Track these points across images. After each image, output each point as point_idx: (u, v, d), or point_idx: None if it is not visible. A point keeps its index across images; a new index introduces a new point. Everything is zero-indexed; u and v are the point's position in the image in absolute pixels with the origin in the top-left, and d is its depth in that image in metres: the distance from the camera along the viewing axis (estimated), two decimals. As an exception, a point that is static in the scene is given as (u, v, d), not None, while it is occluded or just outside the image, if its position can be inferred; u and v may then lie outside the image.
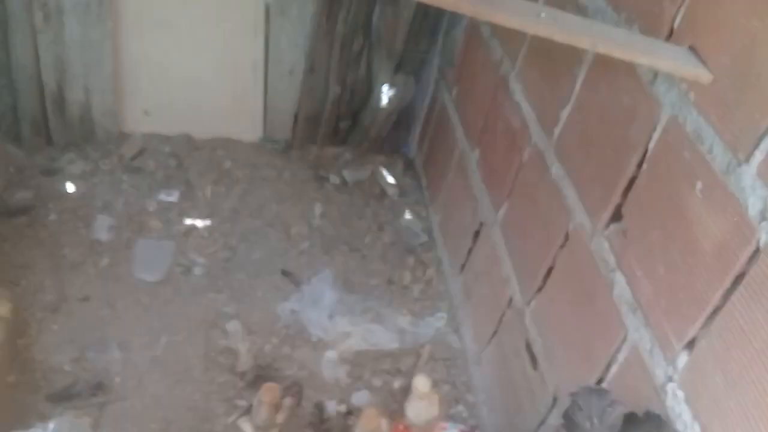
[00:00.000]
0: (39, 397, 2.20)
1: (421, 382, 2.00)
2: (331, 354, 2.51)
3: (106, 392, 2.26)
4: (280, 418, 2.00)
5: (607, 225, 1.76)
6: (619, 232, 1.72)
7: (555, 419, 1.95)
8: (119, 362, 2.34)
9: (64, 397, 2.21)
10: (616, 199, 1.72)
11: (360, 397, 2.43)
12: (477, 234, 2.60)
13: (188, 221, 2.86)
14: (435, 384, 2.49)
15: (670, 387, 1.48)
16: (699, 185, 1.43)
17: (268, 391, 1.96)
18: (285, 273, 2.76)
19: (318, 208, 3.02)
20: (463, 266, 2.72)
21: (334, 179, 3.16)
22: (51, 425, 1.21)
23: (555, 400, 1.95)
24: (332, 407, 2.37)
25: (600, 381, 1.73)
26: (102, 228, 2.74)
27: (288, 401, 2.05)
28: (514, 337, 2.22)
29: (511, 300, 2.27)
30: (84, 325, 2.43)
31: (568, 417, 1.69)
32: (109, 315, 2.48)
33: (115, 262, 2.65)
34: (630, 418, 1.46)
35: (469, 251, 2.66)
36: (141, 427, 2.20)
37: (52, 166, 2.94)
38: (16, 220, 2.69)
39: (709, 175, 1.40)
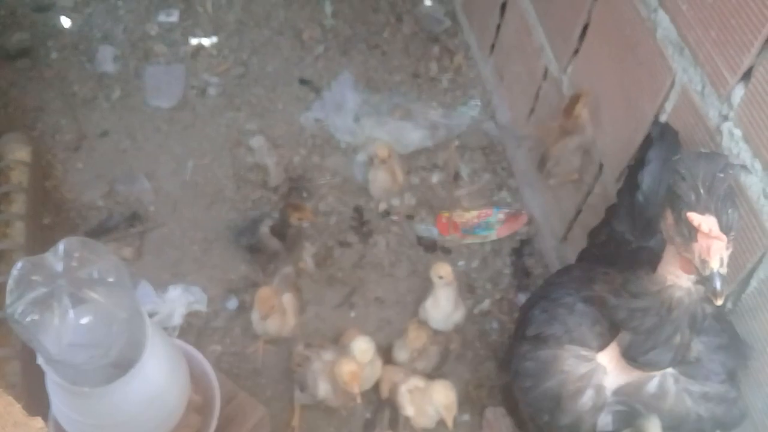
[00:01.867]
0: (78, 234, 2.20)
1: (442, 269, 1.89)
2: (362, 157, 2.41)
3: (143, 221, 2.25)
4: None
5: (648, -43, 1.52)
6: (662, -38, 1.47)
7: (600, 189, 1.84)
8: (150, 191, 2.31)
9: (102, 232, 2.22)
10: None
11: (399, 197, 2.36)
12: (504, 6, 2.34)
13: (194, 41, 2.68)
14: (474, 173, 2.41)
15: (726, 127, 1.32)
16: None
17: (261, 303, 1.89)
18: (303, 81, 2.60)
19: (328, 7, 2.78)
20: (492, 46, 2.50)
21: (341, -29, 2.88)
22: (61, 245, 1.15)
23: (601, 167, 1.83)
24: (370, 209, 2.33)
25: (647, 137, 1.58)
26: (106, 59, 2.59)
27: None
28: (552, 111, 2.05)
29: (546, 71, 2.08)
30: (108, 159, 2.38)
31: (622, 195, 1.54)
32: (131, 146, 2.41)
33: (126, 93, 2.54)
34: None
35: (498, 28, 2.42)
36: (183, 250, 2.21)
37: (43, 1, 2.74)
38: (18, 63, 2.57)
39: None
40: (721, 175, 1.10)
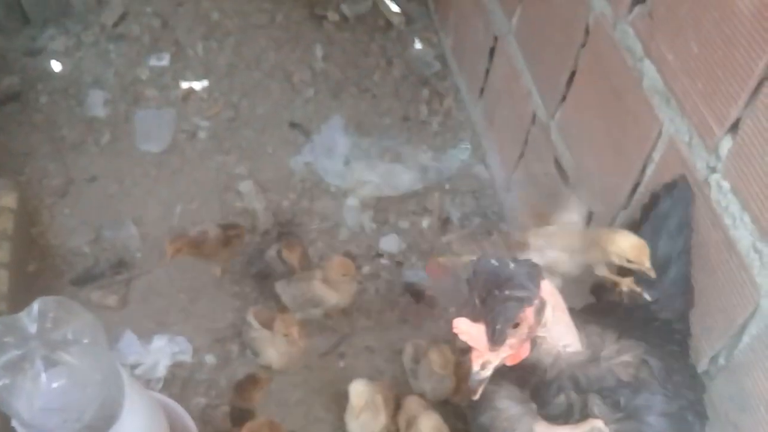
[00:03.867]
0: (63, 282, 2.17)
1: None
2: (352, 201, 2.39)
3: (129, 268, 2.22)
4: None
5: (631, 8, 1.52)
6: (645, 14, 1.47)
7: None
8: (137, 237, 2.28)
9: (87, 279, 2.18)
10: (638, -26, 1.47)
11: (388, 242, 2.34)
12: (492, 51, 2.35)
13: (185, 84, 2.68)
14: (465, 217, 2.39)
15: (714, 179, 1.31)
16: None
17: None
18: (293, 124, 2.60)
19: (319, 50, 2.79)
20: (482, 90, 2.50)
21: (332, 16, 2.89)
22: (36, 305, 1.12)
23: (591, 214, 1.80)
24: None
25: (636, 186, 1.57)
26: (96, 104, 2.59)
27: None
28: (542, 156, 2.05)
29: (534, 116, 2.08)
30: (95, 205, 2.35)
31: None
32: (119, 191, 2.39)
33: (116, 137, 2.52)
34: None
35: (487, 72, 2.43)
36: (169, 299, 2.17)
37: (34, 46, 2.74)
38: (7, 108, 2.56)
39: None
40: (497, 293, 1.08)
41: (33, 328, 1.11)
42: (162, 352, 1.99)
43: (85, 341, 1.12)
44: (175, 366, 2.01)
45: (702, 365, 1.40)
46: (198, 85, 2.68)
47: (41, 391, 1.07)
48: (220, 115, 2.61)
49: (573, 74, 1.81)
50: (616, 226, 1.64)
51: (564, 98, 1.87)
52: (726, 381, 1.35)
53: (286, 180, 2.46)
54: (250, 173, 2.46)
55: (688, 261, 1.40)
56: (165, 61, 2.71)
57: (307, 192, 2.44)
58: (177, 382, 1.99)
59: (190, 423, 1.66)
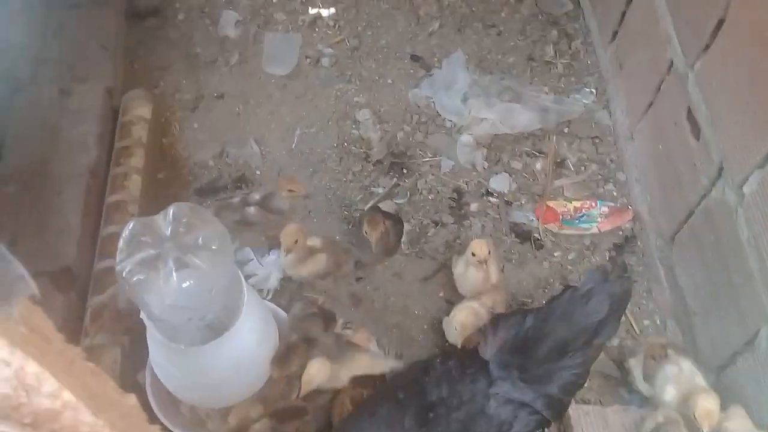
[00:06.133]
0: (188, 191, 2.31)
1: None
2: (466, 138, 2.38)
3: (249, 184, 2.33)
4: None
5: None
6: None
7: (718, 192, 1.73)
8: (258, 156, 2.38)
9: (211, 191, 2.31)
10: None
11: (499, 181, 2.32)
12: (632, -9, 2.22)
13: (313, 10, 2.71)
14: (582, 163, 2.33)
15: None
16: None
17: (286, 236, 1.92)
18: (414, 57, 2.59)
19: (448, -17, 2.73)
20: (614, 33, 2.38)
21: (465, -53, 2.81)
22: (171, 209, 1.21)
23: (721, 170, 1.71)
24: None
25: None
26: (229, 23, 2.68)
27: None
28: (674, 106, 1.94)
29: (671, 64, 1.96)
30: (222, 121, 2.47)
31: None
32: (244, 110, 2.49)
33: (245, 57, 2.61)
34: None
35: (623, 14, 2.30)
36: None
37: (175, -37, 2.85)
38: (147, 22, 2.69)
39: None
40: None
41: (167, 231, 1.20)
42: (274, 266, 2.10)
43: (214, 247, 1.21)
44: (285, 279, 2.13)
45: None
46: (325, 12, 2.70)
47: (171, 289, 1.17)
48: (343, 43, 2.64)
49: (720, 22, 1.69)
50: (751, 185, 1.56)
51: (707, 47, 1.75)
52: None
53: (403, 112, 2.47)
54: (368, 103, 2.49)
55: None
56: (297, -16, 2.75)
57: (422, 125, 2.45)
58: (285, 294, 2.10)
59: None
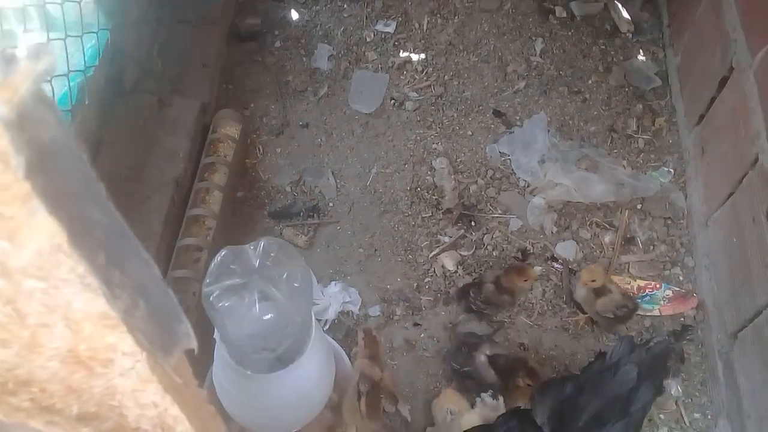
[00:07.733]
0: (263, 212, 2.41)
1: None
2: (538, 200, 2.40)
3: (321, 215, 2.41)
4: None
5: None
6: None
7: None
8: (333, 188, 2.46)
9: (284, 216, 2.40)
10: None
11: (565, 248, 2.34)
12: (724, 81, 2.23)
13: (403, 54, 2.80)
14: (651, 242, 2.33)
15: None
16: None
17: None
18: (497, 113, 2.64)
19: (539, 45, 2.78)
20: (701, 117, 2.38)
21: (560, 12, 2.85)
22: (262, 242, 1.28)
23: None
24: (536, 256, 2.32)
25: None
26: (322, 56, 2.78)
27: None
28: (754, 202, 1.94)
29: (756, 160, 1.96)
30: (303, 150, 2.56)
31: None
32: (326, 142, 2.58)
33: (333, 91, 2.71)
34: None
35: (712, 100, 2.31)
36: (349, 250, 2.34)
37: (281, -8, 2.98)
38: (246, 45, 2.82)
39: None
40: None
41: (256, 262, 1.27)
42: (335, 298, 2.16)
43: (296, 285, 1.27)
44: (343, 313, 2.18)
45: None
46: (415, 57, 2.78)
47: (253, 318, 1.23)
48: (429, 89, 2.71)
49: (815, 128, 1.69)
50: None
51: (797, 151, 1.75)
52: None
53: (479, 165, 2.52)
54: (445, 151, 2.55)
55: None
56: (390, 28, 2.84)
57: (496, 181, 2.49)
58: (342, 328, 2.16)
59: (349, 366, 1.81)
